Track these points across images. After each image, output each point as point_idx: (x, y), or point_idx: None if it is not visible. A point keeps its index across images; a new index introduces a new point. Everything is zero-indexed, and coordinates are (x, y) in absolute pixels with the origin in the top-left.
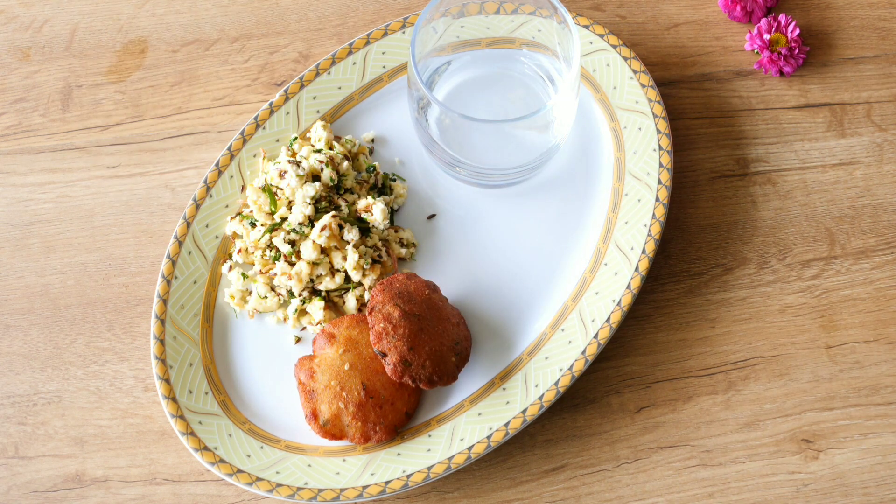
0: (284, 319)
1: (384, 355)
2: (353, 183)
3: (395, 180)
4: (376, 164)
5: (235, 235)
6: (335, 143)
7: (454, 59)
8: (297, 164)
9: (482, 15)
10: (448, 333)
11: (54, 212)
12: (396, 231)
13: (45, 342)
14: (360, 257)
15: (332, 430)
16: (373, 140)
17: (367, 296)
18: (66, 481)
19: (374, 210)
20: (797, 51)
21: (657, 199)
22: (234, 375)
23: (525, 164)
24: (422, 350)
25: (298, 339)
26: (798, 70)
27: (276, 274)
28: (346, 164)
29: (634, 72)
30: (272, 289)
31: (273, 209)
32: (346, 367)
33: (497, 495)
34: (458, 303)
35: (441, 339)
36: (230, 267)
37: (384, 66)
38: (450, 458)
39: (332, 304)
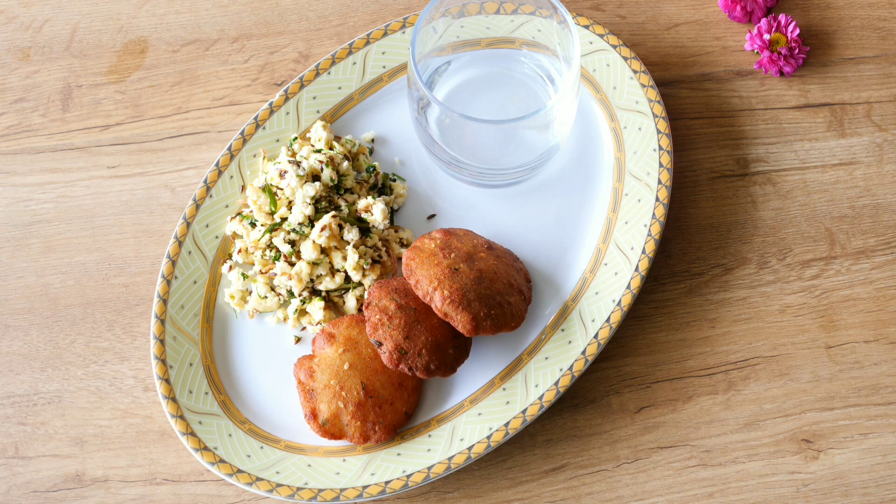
0: (284, 319)
1: (380, 344)
2: (353, 183)
3: (395, 180)
4: (376, 164)
5: (235, 235)
6: (335, 143)
7: (454, 59)
8: (298, 164)
9: (482, 15)
10: (448, 327)
11: (54, 212)
12: (396, 231)
13: (45, 342)
14: (360, 257)
15: (331, 429)
16: (373, 140)
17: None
18: (66, 481)
19: (374, 210)
20: (797, 51)
21: (657, 199)
22: (234, 375)
23: (525, 164)
24: (418, 339)
25: (298, 339)
26: (798, 70)
27: (276, 274)
28: (346, 164)
29: (634, 72)
30: (272, 289)
31: (273, 209)
32: (346, 366)
33: (497, 495)
34: None
35: (439, 331)
36: (230, 267)
37: (384, 66)
38: (450, 458)
39: (332, 304)
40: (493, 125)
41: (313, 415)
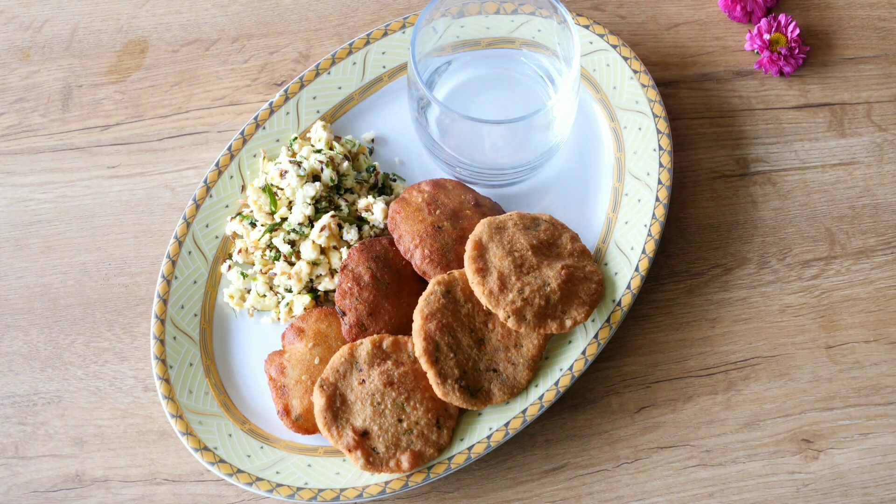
0: (277, 318)
1: (343, 314)
2: (353, 183)
3: (395, 180)
4: (376, 164)
5: (236, 235)
6: (335, 144)
7: (454, 59)
8: (298, 164)
9: (482, 15)
10: (414, 309)
11: (54, 212)
12: None
13: (45, 342)
14: None
15: (304, 424)
16: (373, 140)
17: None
18: (66, 481)
19: (375, 209)
20: (797, 51)
21: (657, 199)
22: (234, 375)
23: (525, 164)
24: (381, 318)
25: None
26: (798, 70)
27: (275, 274)
28: (346, 164)
29: (634, 72)
30: (271, 288)
31: (273, 209)
32: (316, 360)
33: (497, 495)
34: None
35: (405, 312)
36: (230, 267)
37: (384, 66)
38: (450, 458)
39: (332, 304)
40: (492, 125)
41: (286, 411)
